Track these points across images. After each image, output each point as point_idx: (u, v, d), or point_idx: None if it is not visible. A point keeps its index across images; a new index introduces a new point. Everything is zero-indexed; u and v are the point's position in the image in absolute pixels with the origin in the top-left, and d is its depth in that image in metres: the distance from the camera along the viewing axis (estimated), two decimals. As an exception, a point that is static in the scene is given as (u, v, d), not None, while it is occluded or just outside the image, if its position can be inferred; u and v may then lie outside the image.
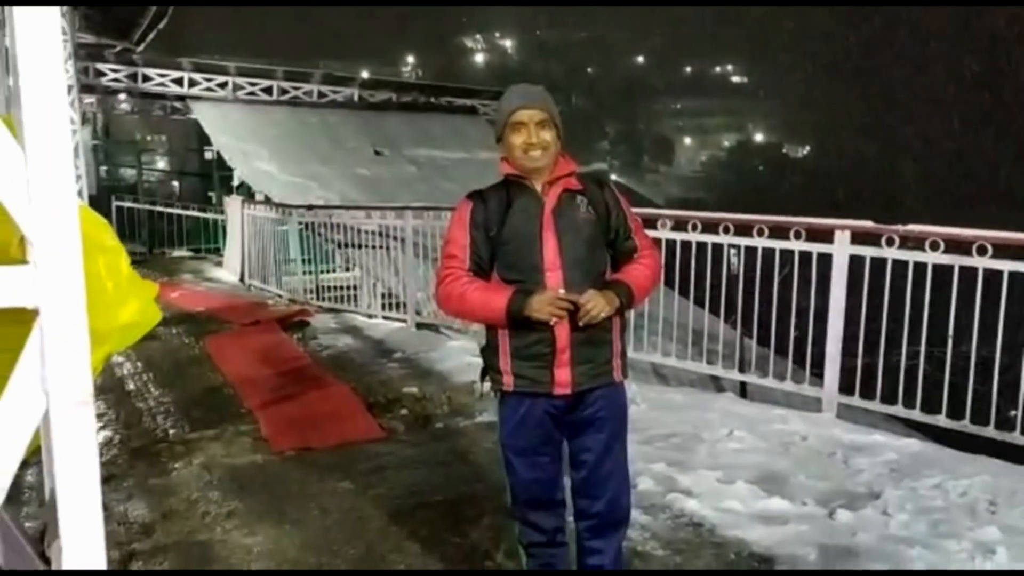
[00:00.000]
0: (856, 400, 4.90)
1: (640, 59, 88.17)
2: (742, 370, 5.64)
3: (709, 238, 5.52)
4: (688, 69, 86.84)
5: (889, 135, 60.15)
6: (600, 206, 2.58)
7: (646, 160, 78.35)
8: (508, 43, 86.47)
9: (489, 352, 2.59)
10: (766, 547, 3.33)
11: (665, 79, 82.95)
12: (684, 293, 5.98)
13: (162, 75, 15.09)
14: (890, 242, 4.61)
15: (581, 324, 2.42)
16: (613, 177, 72.02)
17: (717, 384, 6.66)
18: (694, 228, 5.58)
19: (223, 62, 15.92)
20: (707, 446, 4.47)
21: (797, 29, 67.11)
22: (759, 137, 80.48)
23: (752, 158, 74.81)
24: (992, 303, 4.25)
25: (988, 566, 3.07)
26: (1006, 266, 4.17)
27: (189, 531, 3.64)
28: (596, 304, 2.40)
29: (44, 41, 1.06)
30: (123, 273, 1.44)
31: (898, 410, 4.70)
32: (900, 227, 4.57)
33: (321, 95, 16.36)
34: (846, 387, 4.97)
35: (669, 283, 5.98)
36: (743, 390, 5.86)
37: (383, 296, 8.84)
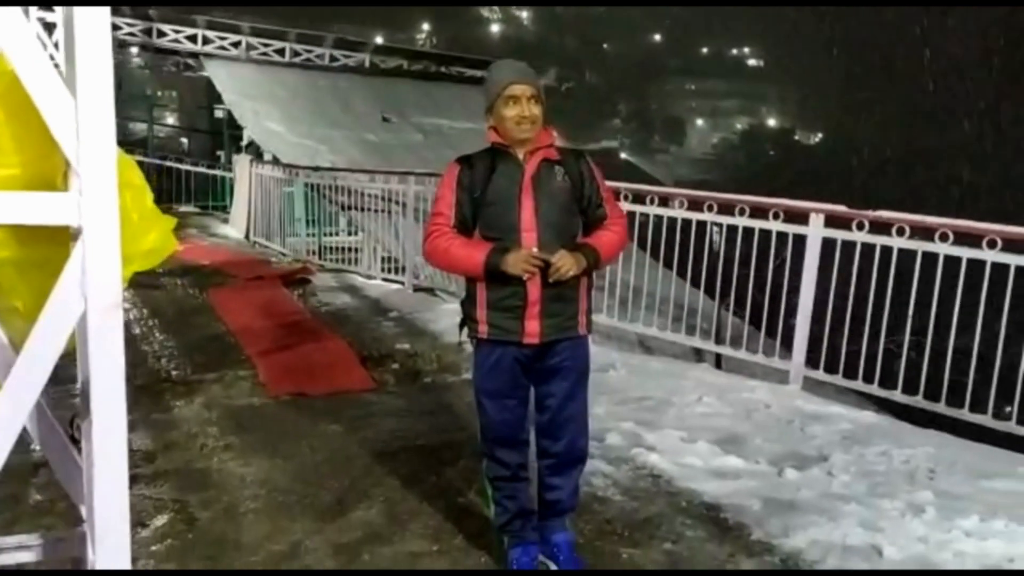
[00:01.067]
0: (820, 374, 5.18)
1: (657, 37, 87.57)
2: (718, 342, 5.91)
3: (694, 215, 5.78)
4: (704, 50, 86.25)
5: (906, 127, 59.92)
6: (575, 176, 2.85)
7: (657, 140, 78.01)
8: (524, 15, 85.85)
9: (468, 303, 2.87)
10: (715, 498, 3.63)
11: (681, 59, 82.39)
12: (669, 265, 6.22)
13: (176, 31, 15.25)
14: (860, 226, 4.86)
15: (551, 280, 2.70)
16: (623, 156, 71.94)
17: (699, 356, 6.95)
18: (680, 205, 5.82)
19: (237, 21, 16.05)
20: (676, 409, 4.76)
21: (816, 15, 66.62)
22: (772, 122, 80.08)
23: (763, 142, 74.49)
24: (951, 287, 4.51)
25: (916, 524, 3.35)
26: (965, 253, 4.43)
27: (188, 460, 3.96)
28: (565, 263, 2.68)
29: (96, 16, 1.34)
30: (147, 207, 1.72)
31: (858, 384, 4.98)
32: (870, 212, 4.82)
33: (333, 59, 16.52)
34: (814, 362, 5.25)
35: (655, 256, 6.25)
36: (718, 361, 6.14)
37: (383, 259, 9.11)
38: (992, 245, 4.30)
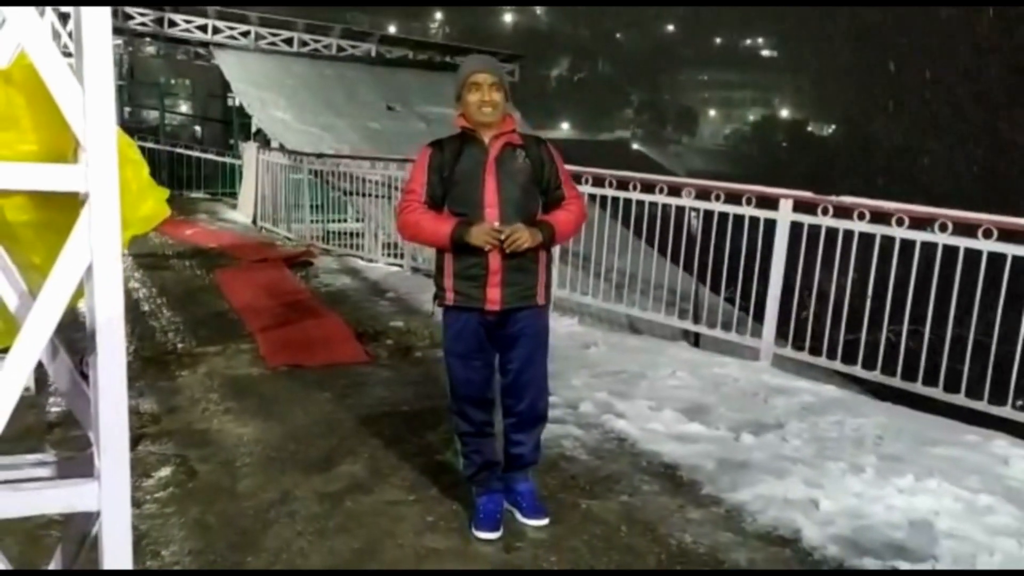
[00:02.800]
0: (788, 351, 5.46)
1: (670, 28, 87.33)
2: (696, 321, 6.20)
3: (673, 201, 6.05)
4: (718, 40, 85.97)
5: (917, 120, 59.66)
6: (536, 159, 3.16)
7: (669, 130, 77.93)
8: (538, 5, 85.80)
9: (437, 274, 3.21)
10: (673, 459, 3.93)
11: (694, 49, 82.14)
12: (660, 251, 6.50)
13: (187, 21, 15.60)
14: (825, 211, 5.13)
15: (508, 251, 3.00)
16: (636, 146, 71.94)
17: (687, 336, 7.23)
18: (660, 191, 6.10)
19: (247, 11, 16.37)
20: (648, 382, 5.06)
21: (830, 7, 66.31)
22: (785, 113, 79.79)
23: (776, 134, 74.23)
24: (906, 268, 4.78)
25: (854, 481, 3.64)
26: (919, 236, 4.70)
27: (190, 421, 4.29)
28: (520, 236, 2.98)
29: (100, 17, 1.65)
30: (144, 179, 2.03)
31: (822, 361, 5.26)
32: (834, 197, 5.09)
33: (340, 49, 16.84)
34: (789, 339, 5.53)
35: (649, 243, 6.53)
36: (696, 340, 6.43)
37: (384, 244, 9.42)
38: (943, 229, 4.56)
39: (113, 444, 1.81)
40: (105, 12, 1.68)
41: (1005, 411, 4.40)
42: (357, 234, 10.04)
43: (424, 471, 3.72)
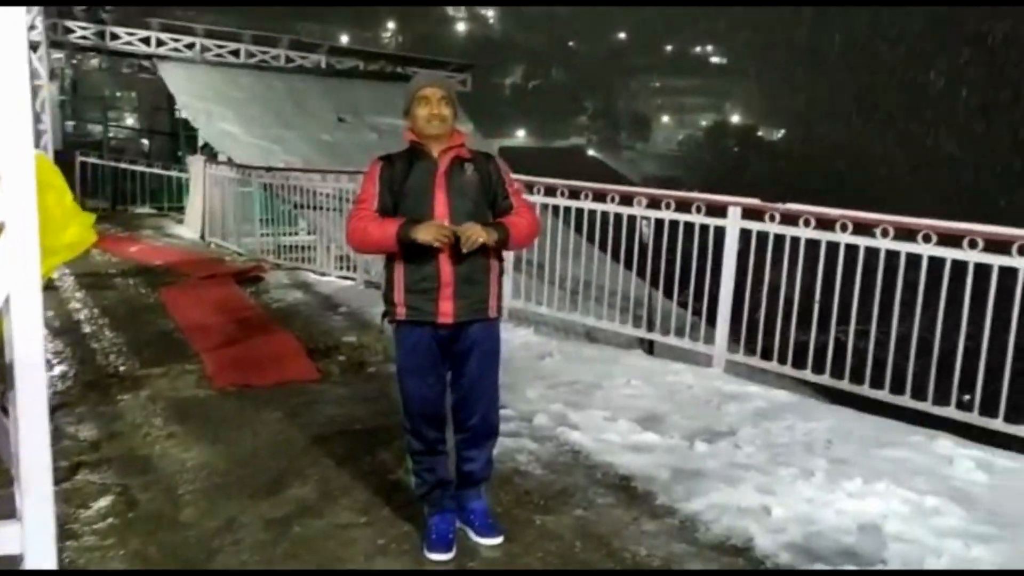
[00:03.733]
0: (740, 356, 5.50)
1: (622, 35, 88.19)
2: (650, 329, 6.22)
3: (625, 210, 6.06)
4: (669, 48, 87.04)
5: (864, 124, 61.09)
6: (484, 173, 3.14)
7: (624, 137, 78.63)
8: (491, 13, 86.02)
9: (387, 289, 3.16)
10: (629, 469, 3.92)
11: (646, 57, 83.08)
12: (614, 258, 6.49)
13: (130, 34, 15.30)
14: (772, 218, 5.18)
15: (464, 250, 2.93)
16: (591, 153, 72.42)
17: (642, 343, 7.25)
18: (612, 200, 6.11)
19: (192, 23, 16.13)
20: (604, 392, 5.05)
21: (777, 13, 67.61)
22: (736, 119, 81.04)
23: (728, 139, 75.42)
24: (851, 273, 4.84)
25: (805, 487, 3.66)
26: (862, 242, 4.77)
27: (131, 448, 4.17)
28: (475, 231, 2.94)
29: (12, 37, 1.58)
30: (67, 205, 1.96)
31: (773, 366, 5.31)
32: (780, 205, 5.15)
33: (288, 60, 16.66)
34: (738, 345, 5.57)
35: (603, 249, 6.51)
36: (651, 347, 6.45)
37: (337, 257, 9.32)
38: (885, 234, 4.64)
39: (36, 483, 1.73)
40: (19, 35, 1.61)
41: (948, 411, 4.47)
42: (309, 247, 9.92)
43: (376, 491, 3.66)
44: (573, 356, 5.88)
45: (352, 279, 8.64)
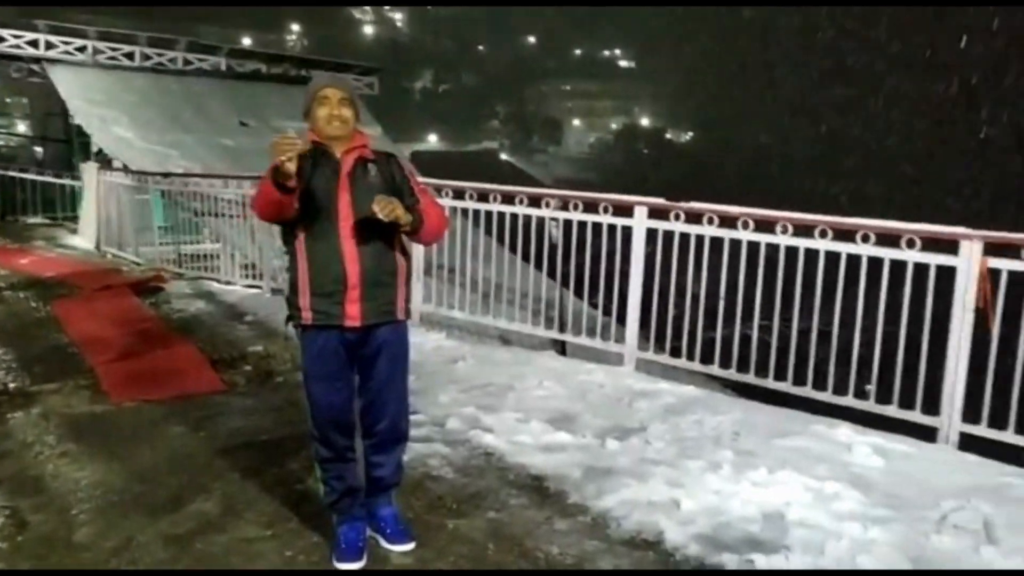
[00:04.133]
0: (651, 354, 5.59)
1: (531, 39, 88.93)
2: (562, 330, 6.25)
3: (534, 211, 6.08)
4: (577, 52, 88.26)
5: (768, 125, 63.32)
6: (387, 174, 3.08)
7: (535, 140, 79.31)
8: (399, 16, 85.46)
9: (290, 292, 3.06)
10: (541, 470, 3.92)
11: (555, 60, 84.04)
12: (526, 259, 6.50)
13: (16, 36, 14.54)
14: (677, 217, 5.28)
15: (384, 215, 2.81)
16: (504, 157, 72.75)
17: (555, 345, 7.28)
18: (520, 202, 6.12)
19: (83, 25, 15.44)
20: (516, 394, 5.04)
21: (683, 17, 69.41)
22: (645, 121, 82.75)
23: (637, 141, 76.99)
24: (754, 269, 4.98)
25: (713, 479, 3.73)
26: (763, 238, 4.91)
27: (22, 468, 3.94)
28: (395, 203, 2.83)
29: None
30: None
31: (682, 362, 5.41)
32: (684, 204, 5.25)
33: (187, 63, 16.12)
34: (648, 343, 5.65)
35: (513, 251, 6.51)
36: (563, 348, 6.48)
37: (243, 265, 9.06)
38: (784, 230, 4.79)
39: None
40: None
41: (847, 400, 4.64)
42: (212, 256, 9.60)
43: (283, 503, 3.55)
44: (486, 359, 5.86)
45: (258, 287, 8.41)
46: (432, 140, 72.74)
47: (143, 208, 10.52)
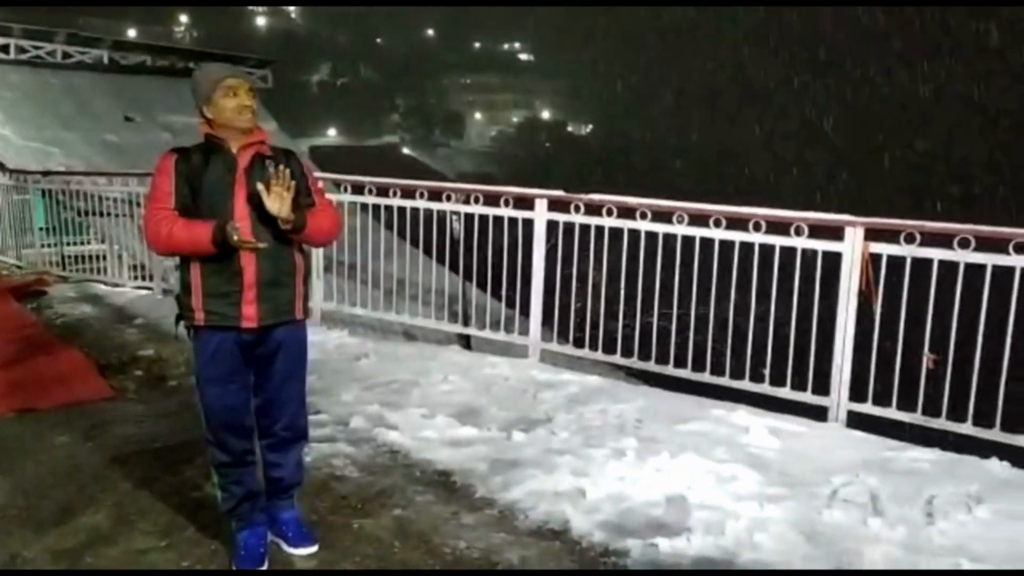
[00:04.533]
0: (554, 345, 5.64)
1: (430, 32, 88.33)
2: (466, 323, 6.24)
3: (435, 205, 6.04)
4: (477, 45, 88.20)
5: (665, 118, 64.90)
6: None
7: (437, 134, 78.85)
8: (292, 8, 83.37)
9: (183, 294, 2.92)
10: (447, 465, 3.90)
11: (455, 54, 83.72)
12: (429, 254, 6.45)
13: None
14: (576, 209, 5.34)
15: (270, 205, 2.76)
16: (405, 151, 72.07)
17: (460, 339, 7.26)
18: (421, 196, 6.07)
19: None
20: (421, 390, 5.01)
21: (582, 11, 70.35)
22: (546, 115, 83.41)
23: (539, 134, 77.53)
24: (653, 259, 5.08)
25: (617, 466, 3.79)
26: (660, 228, 5.01)
27: None
28: (278, 192, 2.77)
29: None
30: None
31: (585, 352, 5.48)
32: (584, 196, 5.31)
33: (66, 56, 15.27)
34: (552, 335, 5.71)
35: (415, 244, 6.46)
36: (468, 342, 6.48)
37: (131, 266, 8.69)
38: (680, 220, 4.90)
39: None
40: None
41: (744, 384, 4.79)
42: (99, 257, 9.16)
43: (179, 511, 3.42)
44: (390, 356, 5.80)
45: (148, 288, 8.08)
46: (331, 135, 71.43)
47: (23, 209, 9.94)
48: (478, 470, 3.84)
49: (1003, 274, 4.04)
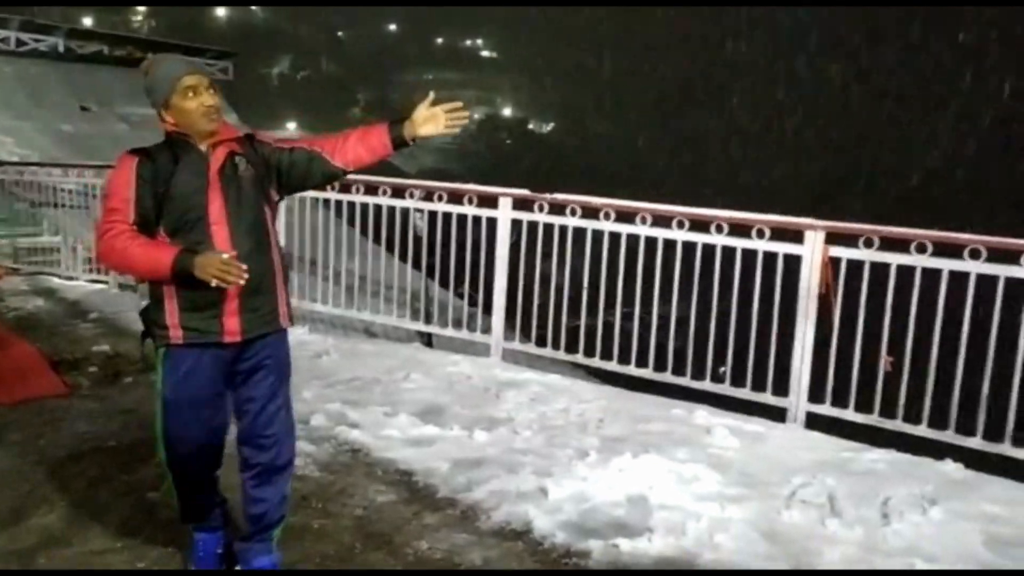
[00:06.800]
0: (517, 344, 5.64)
1: (392, 27, 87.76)
2: (428, 321, 6.21)
3: (398, 202, 6.00)
4: (440, 41, 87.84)
5: (627, 116, 65.21)
6: (256, 160, 2.72)
7: (400, 130, 78.19)
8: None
9: (154, 308, 2.62)
10: (409, 464, 3.88)
11: (417, 49, 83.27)
12: (379, 244, 6.40)
13: None
14: (541, 208, 5.34)
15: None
16: (367, 146, 71.32)
17: (422, 336, 7.22)
18: (384, 193, 6.02)
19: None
20: (383, 387, 4.98)
21: (544, 10, 70.40)
22: (507, 112, 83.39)
23: (501, 132, 77.52)
24: (616, 258, 5.10)
25: (580, 466, 3.80)
26: (624, 229, 5.04)
27: None
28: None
29: None
30: None
31: (548, 351, 5.49)
32: (548, 195, 5.31)
33: (20, 43, 14.86)
34: (515, 333, 5.71)
35: (378, 242, 6.38)
36: (430, 340, 6.45)
37: (86, 259, 8.51)
38: (644, 221, 4.93)
39: None
40: None
41: (705, 384, 4.83)
42: (52, 250, 8.96)
43: (135, 511, 3.35)
44: (351, 353, 5.75)
45: (104, 282, 7.94)
46: (291, 128, 70.64)
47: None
48: (440, 470, 3.82)
49: (958, 278, 4.12)
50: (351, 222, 6.31)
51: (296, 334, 6.09)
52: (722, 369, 4.80)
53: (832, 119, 53.86)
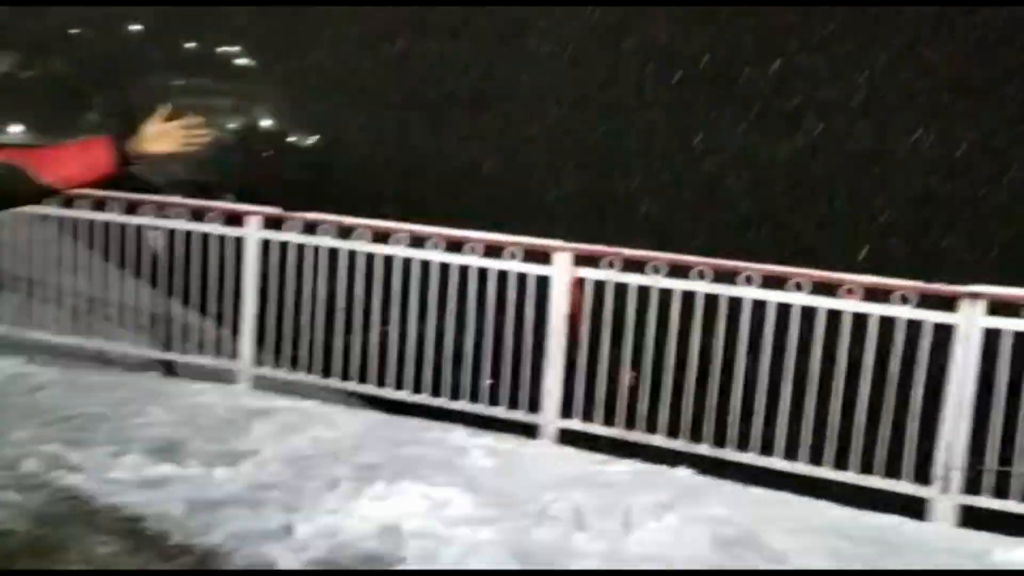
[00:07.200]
0: (267, 370, 5.35)
1: (136, 27, 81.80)
2: (168, 348, 5.73)
3: (130, 219, 5.49)
4: (189, 45, 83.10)
5: (392, 131, 65.03)
6: None
7: (143, 138, 72.96)
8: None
9: None
10: (139, 509, 3.52)
11: (164, 53, 78.10)
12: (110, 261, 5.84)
13: None
14: (293, 227, 5.11)
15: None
16: (108, 152, 65.79)
17: (162, 364, 6.63)
18: (112, 209, 5.48)
19: None
20: (111, 424, 4.49)
21: (304, 14, 68.68)
22: (266, 123, 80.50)
23: (258, 143, 74.63)
24: (371, 279, 4.99)
25: (330, 497, 3.64)
26: (379, 250, 4.94)
27: None
28: None
29: None
30: None
31: (301, 376, 5.25)
32: (299, 214, 5.11)
33: None
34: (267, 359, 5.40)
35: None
36: (172, 368, 5.95)
37: None
38: (399, 241, 4.88)
39: None
40: None
41: (461, 404, 4.84)
42: None
43: None
44: (76, 385, 5.15)
45: None
46: (16, 131, 63.62)
47: None
48: (173, 513, 3.50)
49: (688, 297, 4.45)
50: (75, 236, 5.68)
51: (8, 366, 5.40)
52: (488, 381, 4.83)
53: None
